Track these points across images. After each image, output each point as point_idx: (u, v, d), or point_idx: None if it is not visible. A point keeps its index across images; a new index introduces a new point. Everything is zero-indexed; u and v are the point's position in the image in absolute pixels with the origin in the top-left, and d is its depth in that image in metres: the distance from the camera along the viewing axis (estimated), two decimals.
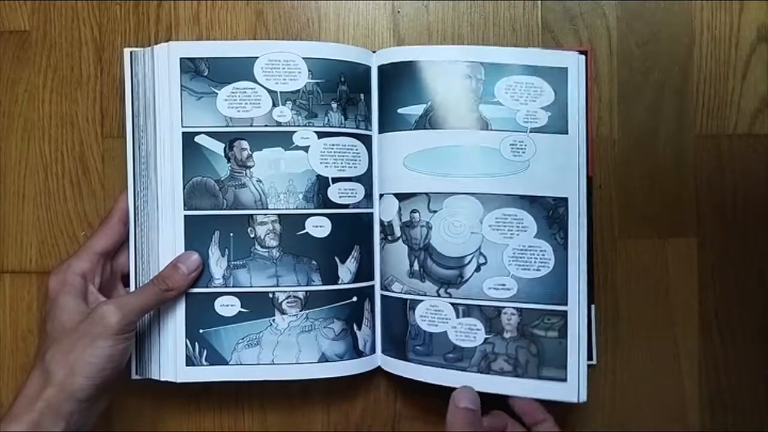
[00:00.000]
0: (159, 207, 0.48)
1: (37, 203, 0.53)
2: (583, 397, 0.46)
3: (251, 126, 0.48)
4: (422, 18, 0.53)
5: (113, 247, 0.48)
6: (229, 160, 0.48)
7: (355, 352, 0.49)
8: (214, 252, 0.48)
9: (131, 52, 0.48)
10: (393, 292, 0.49)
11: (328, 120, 0.48)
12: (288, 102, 0.48)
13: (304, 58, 0.48)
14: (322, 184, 0.48)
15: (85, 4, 0.53)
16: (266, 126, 0.48)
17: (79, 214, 0.53)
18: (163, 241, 0.47)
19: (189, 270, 0.47)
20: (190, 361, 0.48)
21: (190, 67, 0.48)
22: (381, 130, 0.50)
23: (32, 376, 0.42)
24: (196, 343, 0.48)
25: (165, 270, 0.47)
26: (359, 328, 0.50)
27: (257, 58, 0.48)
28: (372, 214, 0.50)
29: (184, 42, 0.49)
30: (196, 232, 0.48)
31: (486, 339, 0.47)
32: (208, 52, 0.48)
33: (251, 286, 0.48)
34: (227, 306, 0.48)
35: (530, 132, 0.47)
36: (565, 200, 0.47)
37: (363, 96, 0.49)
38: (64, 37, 0.53)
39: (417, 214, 0.48)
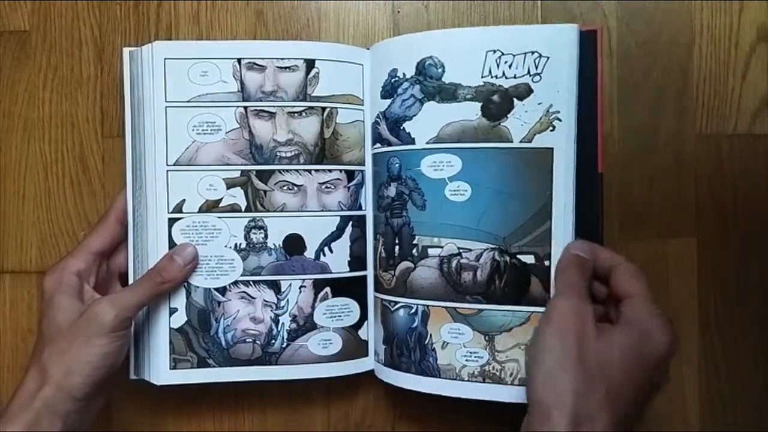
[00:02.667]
0: (149, 207, 0.47)
1: (37, 203, 0.53)
2: None
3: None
4: (422, 18, 0.53)
5: (109, 246, 0.47)
6: None
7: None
8: None
9: (130, 52, 0.48)
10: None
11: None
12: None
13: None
14: None
15: (85, 4, 0.53)
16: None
17: (79, 213, 0.53)
18: (159, 241, 0.47)
19: (185, 261, 0.46)
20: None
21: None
22: None
23: (29, 376, 0.42)
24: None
25: (160, 262, 0.47)
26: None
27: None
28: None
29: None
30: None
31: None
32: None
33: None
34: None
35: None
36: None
37: None
38: (64, 37, 0.53)
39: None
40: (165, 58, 0.47)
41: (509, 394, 0.46)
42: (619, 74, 0.52)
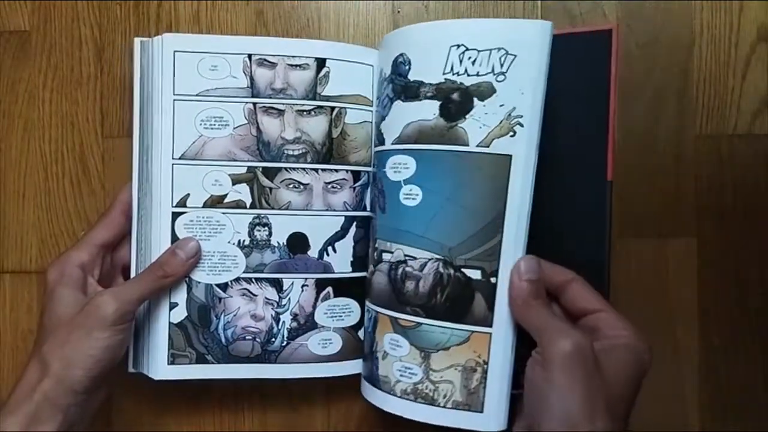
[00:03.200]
0: (153, 201, 0.47)
1: (37, 203, 0.53)
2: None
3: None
4: (422, 18, 0.53)
5: (114, 239, 0.47)
6: None
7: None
8: None
9: (141, 42, 0.48)
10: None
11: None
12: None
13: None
14: None
15: (85, 4, 0.53)
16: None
17: (79, 214, 0.53)
18: (162, 235, 0.47)
19: (187, 256, 0.46)
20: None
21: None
22: None
23: (29, 368, 0.42)
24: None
25: (162, 256, 0.46)
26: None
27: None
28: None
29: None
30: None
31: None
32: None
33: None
34: None
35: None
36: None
37: None
38: (64, 36, 0.53)
39: None
40: (174, 51, 0.47)
41: (441, 417, 0.43)
42: (619, 74, 0.52)
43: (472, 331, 0.42)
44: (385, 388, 0.45)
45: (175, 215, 0.47)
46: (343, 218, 0.49)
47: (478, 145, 0.42)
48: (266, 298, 0.48)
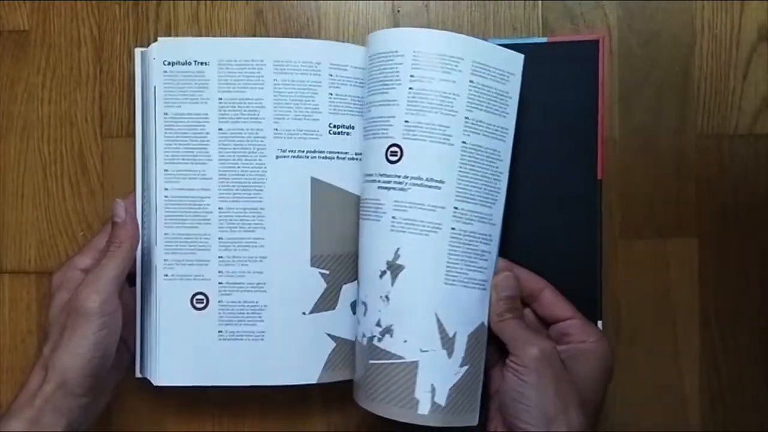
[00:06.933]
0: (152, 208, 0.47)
1: (36, 203, 0.53)
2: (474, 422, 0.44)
3: None
4: (422, 17, 0.53)
5: None
6: None
7: None
8: None
9: (141, 52, 0.48)
10: None
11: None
12: None
13: None
14: None
15: (85, 3, 0.53)
16: None
17: (78, 214, 0.53)
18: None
19: (122, 215, 0.45)
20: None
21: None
22: None
23: (33, 373, 0.42)
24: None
25: (106, 231, 0.46)
26: None
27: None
28: None
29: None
30: None
31: None
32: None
33: None
34: None
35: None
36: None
37: None
38: (63, 36, 0.53)
39: None
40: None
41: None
42: (620, 74, 0.52)
43: None
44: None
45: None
46: None
47: None
48: None
